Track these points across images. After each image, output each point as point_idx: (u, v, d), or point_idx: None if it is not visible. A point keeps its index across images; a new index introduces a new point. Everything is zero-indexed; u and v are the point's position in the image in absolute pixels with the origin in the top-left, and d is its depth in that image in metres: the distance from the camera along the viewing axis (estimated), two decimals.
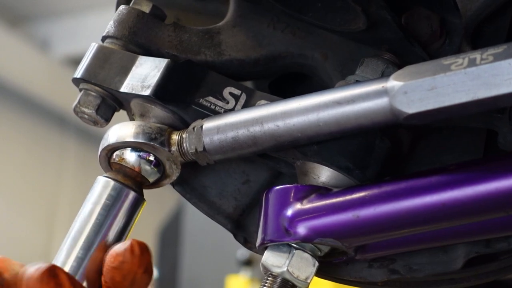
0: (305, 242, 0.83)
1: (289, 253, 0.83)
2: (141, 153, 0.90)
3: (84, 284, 0.85)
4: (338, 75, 0.93)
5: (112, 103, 0.93)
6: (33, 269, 0.80)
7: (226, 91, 0.91)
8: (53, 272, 0.79)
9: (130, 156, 0.90)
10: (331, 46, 0.94)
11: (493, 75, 0.73)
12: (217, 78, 0.92)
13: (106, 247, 0.86)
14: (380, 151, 0.86)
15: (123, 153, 0.90)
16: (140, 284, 0.84)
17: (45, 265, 0.80)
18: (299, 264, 0.83)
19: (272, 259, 0.84)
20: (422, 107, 0.76)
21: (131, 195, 0.89)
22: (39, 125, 7.91)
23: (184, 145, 0.88)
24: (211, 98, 0.90)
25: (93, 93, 0.92)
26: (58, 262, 0.86)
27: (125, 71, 0.91)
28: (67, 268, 0.85)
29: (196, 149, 0.88)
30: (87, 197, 0.89)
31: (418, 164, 0.93)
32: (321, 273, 0.89)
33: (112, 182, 0.88)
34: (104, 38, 0.95)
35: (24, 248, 7.05)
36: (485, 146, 0.92)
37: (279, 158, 0.89)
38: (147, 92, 0.89)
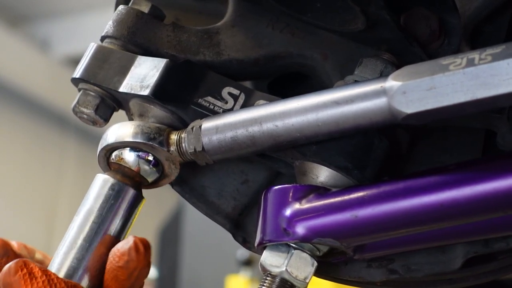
0: (303, 242, 0.83)
1: (288, 253, 0.83)
2: (140, 153, 0.90)
3: (85, 280, 0.85)
4: (338, 75, 0.93)
5: (111, 103, 0.93)
6: (6, 265, 0.83)
7: (225, 91, 0.91)
8: (22, 264, 0.82)
9: (129, 156, 0.90)
10: (331, 46, 0.94)
11: (491, 75, 0.73)
12: (216, 78, 0.92)
13: (107, 245, 0.87)
14: (378, 151, 0.86)
15: (122, 153, 0.90)
16: (140, 278, 0.84)
17: (16, 260, 0.83)
18: (298, 264, 0.83)
19: (271, 259, 0.84)
20: (421, 107, 0.76)
21: (130, 192, 0.89)
22: (39, 125, 7.91)
23: (183, 145, 0.88)
24: (210, 98, 0.90)
25: (92, 93, 0.92)
26: (56, 260, 0.86)
27: (124, 71, 0.91)
28: (66, 266, 0.85)
29: (195, 149, 0.88)
30: (86, 195, 0.89)
31: (416, 164, 0.93)
32: (320, 273, 0.89)
33: (111, 180, 0.88)
34: (103, 38, 0.95)
35: None
36: (483, 146, 0.92)
37: (278, 158, 0.89)
38: (146, 92, 0.89)
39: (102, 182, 0.89)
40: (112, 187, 0.88)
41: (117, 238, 0.88)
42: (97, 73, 0.92)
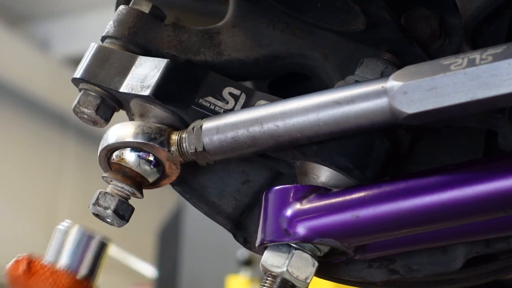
0: (304, 242, 0.83)
1: (289, 253, 0.83)
2: (141, 153, 0.90)
3: None
4: (338, 75, 0.93)
5: (111, 103, 0.93)
6: (10, 262, 0.86)
7: (226, 91, 0.91)
8: (21, 259, 0.85)
9: (130, 156, 0.90)
10: (331, 46, 0.94)
11: (492, 75, 0.73)
12: (216, 78, 0.92)
13: None
14: (379, 151, 0.85)
15: (122, 153, 0.90)
16: None
17: (18, 256, 0.86)
18: (299, 264, 0.83)
19: (272, 259, 0.84)
20: (422, 107, 0.76)
21: (94, 242, 0.87)
22: (39, 125, 7.92)
23: (184, 145, 0.88)
24: (210, 98, 0.90)
25: (92, 93, 0.92)
26: None
27: (124, 71, 0.91)
28: None
29: (195, 149, 0.88)
30: (48, 247, 0.87)
31: (417, 164, 0.93)
32: (321, 273, 0.89)
33: (74, 229, 0.87)
34: (103, 38, 0.95)
35: (24, 248, 7.05)
36: (484, 146, 0.92)
37: (279, 158, 0.89)
38: (146, 92, 0.89)
39: (64, 232, 0.87)
40: (75, 237, 0.87)
41: (88, 282, 0.87)
42: (98, 73, 0.92)
